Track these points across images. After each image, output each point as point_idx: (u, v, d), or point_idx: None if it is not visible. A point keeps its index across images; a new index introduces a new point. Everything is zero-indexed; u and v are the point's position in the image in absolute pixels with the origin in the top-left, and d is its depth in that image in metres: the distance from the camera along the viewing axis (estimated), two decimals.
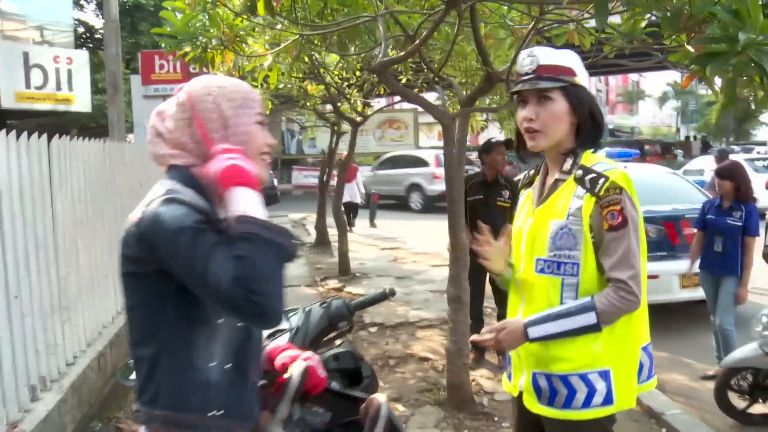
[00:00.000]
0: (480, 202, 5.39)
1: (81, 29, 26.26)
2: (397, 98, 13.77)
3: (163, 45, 6.04)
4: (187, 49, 5.29)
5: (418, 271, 10.04)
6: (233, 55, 5.58)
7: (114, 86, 10.22)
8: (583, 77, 2.03)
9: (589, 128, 2.02)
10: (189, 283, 1.43)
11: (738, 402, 4.31)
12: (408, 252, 12.01)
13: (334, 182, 11.11)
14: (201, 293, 1.43)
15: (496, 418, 4.33)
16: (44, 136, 3.85)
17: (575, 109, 2.00)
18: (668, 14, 2.88)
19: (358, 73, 8.17)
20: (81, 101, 15.62)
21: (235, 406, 1.56)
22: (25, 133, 3.58)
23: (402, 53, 4.07)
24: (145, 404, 1.53)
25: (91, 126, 21.30)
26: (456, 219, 4.33)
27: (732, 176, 5.08)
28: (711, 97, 51.96)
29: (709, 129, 46.38)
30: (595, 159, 2.02)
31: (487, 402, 4.61)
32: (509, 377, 2.24)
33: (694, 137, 43.25)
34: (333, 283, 9.01)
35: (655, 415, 4.20)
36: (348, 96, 8.75)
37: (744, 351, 4.19)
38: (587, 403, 1.96)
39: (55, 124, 16.71)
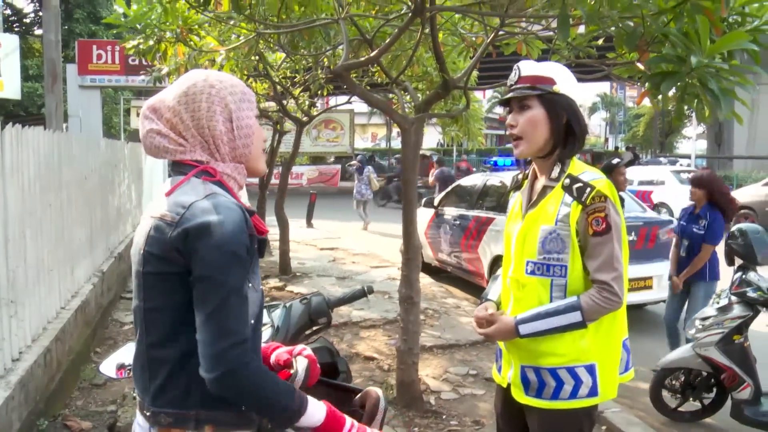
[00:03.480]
0: None
1: (8, 12, 25.19)
2: (340, 99, 13.82)
3: (113, 34, 5.94)
4: (140, 40, 5.22)
5: (358, 271, 10.11)
6: (185, 48, 5.54)
7: (53, 74, 9.92)
8: (565, 86, 2.17)
9: (563, 134, 2.16)
10: (199, 294, 1.43)
11: (670, 401, 4.57)
12: (347, 253, 12.06)
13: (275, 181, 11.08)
14: (200, 310, 1.43)
15: (444, 416, 4.45)
16: None
17: (552, 116, 2.14)
18: (624, 33, 3.05)
19: (303, 72, 8.19)
20: (10, 88, 15.03)
21: None
22: None
23: (364, 57, 4.13)
24: (170, 405, 1.51)
25: (19, 114, 20.50)
26: (410, 220, 4.43)
27: (702, 185, 5.35)
28: (639, 110, 54.07)
29: (636, 140, 48.21)
30: (582, 168, 2.17)
31: (434, 401, 4.73)
32: (499, 370, 2.38)
33: (627, 147, 44.76)
34: (274, 282, 8.98)
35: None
36: (294, 95, 8.76)
37: (678, 353, 4.45)
38: (574, 395, 2.13)
39: None
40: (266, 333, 2.00)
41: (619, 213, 2.11)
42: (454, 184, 10.32)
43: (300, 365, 1.70)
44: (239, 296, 1.44)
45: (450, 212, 9.39)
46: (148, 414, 1.54)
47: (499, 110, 59.45)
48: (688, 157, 26.37)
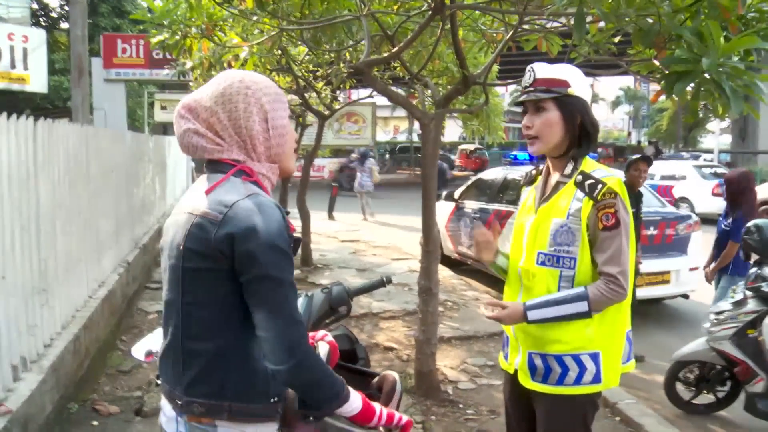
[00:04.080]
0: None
1: (35, 6, 25.59)
2: (362, 92, 13.90)
3: (141, 29, 6.07)
4: (166, 35, 5.35)
5: (378, 264, 10.21)
6: (209, 43, 5.67)
7: (79, 69, 10.11)
8: (579, 88, 2.27)
9: (578, 135, 2.26)
10: (258, 292, 1.49)
11: (684, 393, 4.63)
12: (367, 245, 12.17)
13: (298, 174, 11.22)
14: (262, 307, 1.49)
15: (461, 405, 4.55)
16: (31, 118, 3.89)
17: (567, 117, 2.24)
18: (641, 31, 3.11)
19: (326, 66, 8.29)
20: (37, 81, 15.31)
21: (284, 390, 1.65)
22: (14, 115, 3.62)
23: (386, 54, 4.22)
24: (204, 396, 1.56)
25: (46, 107, 20.83)
26: (429, 213, 4.52)
27: (727, 183, 5.52)
28: (662, 104, 53.49)
29: (659, 135, 47.76)
30: (594, 165, 2.28)
31: (451, 390, 4.83)
32: (506, 357, 2.49)
33: (649, 142, 44.41)
34: (296, 273, 9.07)
35: (609, 405, 4.48)
36: (316, 89, 8.86)
37: (692, 346, 4.50)
38: (578, 381, 2.23)
39: (6, 103, 16.31)
40: None
41: (628, 211, 2.20)
42: (475, 177, 10.35)
43: (322, 350, 1.79)
44: (294, 290, 1.53)
45: (470, 205, 9.44)
46: (180, 403, 1.60)
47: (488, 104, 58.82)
48: (712, 151, 26.11)
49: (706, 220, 10.33)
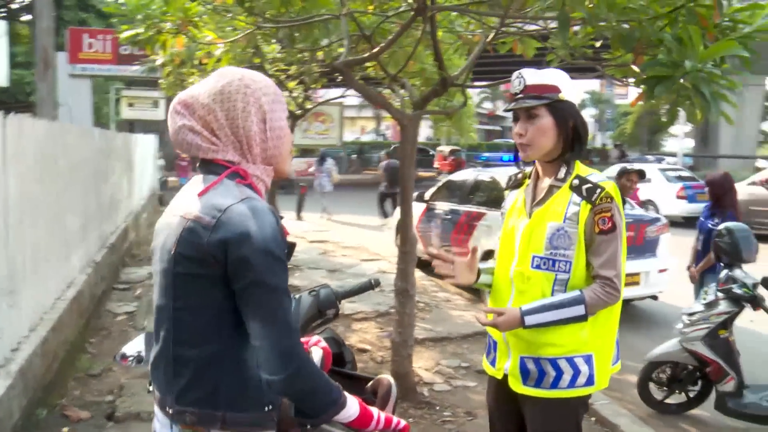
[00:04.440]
0: None
1: None
2: (332, 92, 13.87)
3: (113, 21, 5.94)
4: (139, 30, 5.25)
5: (348, 264, 10.19)
6: (184, 40, 5.59)
7: (45, 61, 9.92)
8: (568, 93, 2.28)
9: (571, 139, 2.27)
10: (253, 299, 1.45)
11: (657, 393, 4.70)
12: (336, 246, 12.13)
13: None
14: (256, 314, 1.45)
15: (437, 407, 4.55)
16: (1, 112, 3.79)
17: (559, 123, 2.25)
18: (621, 36, 3.15)
19: (299, 65, 8.23)
20: None
21: (278, 398, 1.61)
22: None
23: (364, 53, 4.20)
24: (196, 404, 1.52)
25: (7, 102, 20.35)
26: (406, 214, 4.51)
27: (709, 185, 5.69)
28: (627, 108, 54.35)
29: (624, 138, 48.52)
30: (588, 171, 2.30)
31: (427, 392, 4.83)
32: (492, 362, 2.47)
33: (614, 145, 45.06)
34: None
35: None
36: (288, 88, 8.80)
37: (665, 347, 4.57)
38: (572, 384, 2.25)
39: None
40: None
41: (622, 215, 2.23)
42: (445, 179, 10.39)
43: (316, 356, 1.77)
44: (289, 297, 1.50)
45: (441, 206, 9.48)
46: (171, 412, 1.56)
47: (488, 105, 59.67)
48: (675, 155, 26.64)
49: (672, 222, 10.51)
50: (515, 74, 2.30)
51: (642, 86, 3.10)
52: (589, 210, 2.19)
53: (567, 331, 2.22)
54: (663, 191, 15.82)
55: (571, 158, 2.30)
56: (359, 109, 46.85)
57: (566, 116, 2.25)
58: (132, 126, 25.95)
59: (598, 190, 2.19)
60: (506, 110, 2.36)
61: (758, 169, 21.97)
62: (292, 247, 1.62)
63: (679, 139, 26.92)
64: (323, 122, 31.26)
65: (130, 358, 2.31)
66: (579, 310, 2.16)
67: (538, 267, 2.26)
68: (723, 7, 2.94)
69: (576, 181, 2.24)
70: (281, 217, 1.59)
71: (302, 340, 1.85)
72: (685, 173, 17.88)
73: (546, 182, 2.34)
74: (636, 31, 3.08)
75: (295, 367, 1.44)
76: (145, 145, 15.28)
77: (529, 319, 2.19)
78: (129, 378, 4.81)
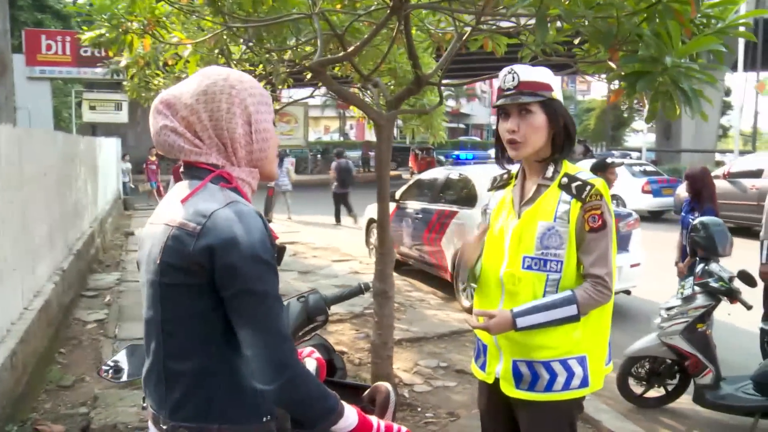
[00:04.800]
0: None
1: None
2: (298, 92, 13.71)
3: (77, 21, 5.79)
4: (104, 30, 5.12)
5: (320, 266, 10.13)
6: (151, 40, 5.46)
7: (2, 64, 9.62)
8: (558, 92, 2.27)
9: (563, 138, 2.25)
10: (243, 307, 1.40)
11: (636, 388, 4.74)
12: (307, 246, 12.07)
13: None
14: (247, 323, 1.40)
15: (419, 409, 4.52)
16: None
17: (551, 121, 2.22)
18: (599, 32, 3.14)
19: (267, 65, 8.12)
20: None
21: (276, 408, 1.55)
22: None
23: (341, 54, 4.14)
24: (190, 419, 1.47)
25: None
26: (383, 215, 4.47)
27: (688, 179, 5.84)
28: (590, 104, 55.09)
29: (587, 134, 49.18)
30: (577, 168, 2.28)
31: (408, 394, 4.80)
32: (482, 367, 2.42)
33: (578, 141, 45.59)
34: None
35: None
36: None
37: (643, 342, 4.60)
38: (567, 386, 2.21)
39: None
40: None
41: (611, 212, 2.20)
42: (415, 178, 10.37)
43: (310, 367, 1.71)
44: (279, 303, 1.45)
45: (412, 206, 9.46)
46: (165, 428, 1.50)
47: (452, 103, 59.89)
48: (638, 150, 27.05)
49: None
50: (506, 70, 2.26)
51: (621, 82, 3.10)
52: (579, 208, 2.16)
53: (560, 332, 2.19)
54: (629, 186, 16.03)
55: (560, 158, 2.27)
56: (323, 109, 46.69)
57: (558, 115, 2.23)
58: (94, 129, 25.46)
59: (588, 188, 2.16)
60: (495, 106, 2.31)
61: (719, 163, 22.45)
62: (281, 251, 1.57)
63: (643, 134, 27.36)
64: (288, 122, 31.09)
65: (106, 369, 2.23)
66: (571, 310, 2.13)
67: (529, 267, 2.22)
68: (699, 3, 2.95)
69: (565, 179, 2.22)
70: (269, 221, 1.54)
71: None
72: (650, 168, 18.17)
73: (533, 181, 2.31)
74: (614, 28, 3.07)
75: (288, 375, 1.39)
76: (109, 148, 15.00)
77: (521, 321, 2.15)
78: (103, 388, 4.68)
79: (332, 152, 20.06)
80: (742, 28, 2.98)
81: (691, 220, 5.45)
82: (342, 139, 50.19)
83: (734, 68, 20.99)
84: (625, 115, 47.33)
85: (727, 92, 39.79)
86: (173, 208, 1.49)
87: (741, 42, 19.22)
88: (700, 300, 4.30)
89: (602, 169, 5.91)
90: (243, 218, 1.42)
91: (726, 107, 41.67)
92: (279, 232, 13.45)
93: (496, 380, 2.34)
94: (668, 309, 4.43)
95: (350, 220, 15.29)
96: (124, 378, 2.15)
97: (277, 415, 1.55)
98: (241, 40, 6.18)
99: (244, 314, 1.40)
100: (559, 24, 3.73)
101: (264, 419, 1.52)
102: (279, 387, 1.38)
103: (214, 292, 1.42)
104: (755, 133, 26.80)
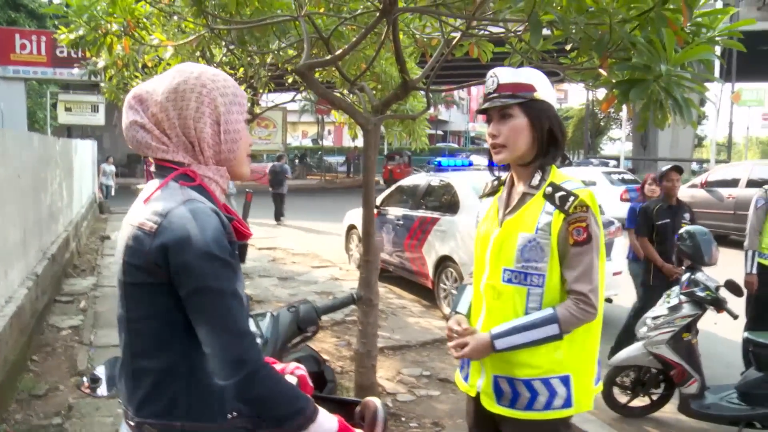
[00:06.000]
0: (668, 226, 5.61)
1: None
2: (277, 96, 13.64)
3: (55, 22, 5.67)
4: (81, 32, 5.01)
5: (299, 272, 10.04)
6: (131, 42, 5.36)
7: None
8: (544, 93, 2.16)
9: (546, 141, 2.15)
10: (199, 305, 1.40)
11: (621, 397, 4.72)
12: (286, 252, 11.97)
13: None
14: (204, 321, 1.40)
15: (403, 419, 4.45)
16: None
17: (534, 123, 2.13)
18: (591, 39, 3.11)
19: (248, 68, 8.04)
20: None
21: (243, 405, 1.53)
22: None
23: (328, 57, 4.08)
24: (154, 416, 1.47)
25: None
26: (369, 222, 4.40)
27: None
28: (567, 112, 55.56)
29: (565, 142, 49.55)
30: (563, 177, 2.16)
31: (391, 403, 4.73)
32: (465, 378, 2.34)
33: None
34: None
35: None
36: None
37: (629, 351, 4.58)
38: (548, 406, 2.11)
39: None
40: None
41: (599, 225, 2.10)
42: (396, 185, 10.30)
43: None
44: (237, 298, 1.43)
45: (393, 212, 9.40)
46: (132, 424, 1.51)
47: (430, 110, 59.96)
48: (615, 158, 27.30)
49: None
50: (489, 73, 2.19)
51: (613, 90, 3.07)
52: (562, 220, 2.05)
53: (541, 351, 2.09)
54: (607, 194, 16.12)
55: (546, 163, 2.17)
56: (300, 114, 46.59)
57: (541, 117, 2.13)
58: (69, 131, 25.08)
59: (572, 199, 2.05)
60: (479, 111, 2.22)
61: (694, 172, 22.73)
62: (243, 247, 1.55)
63: (621, 142, 27.62)
64: (266, 127, 30.99)
65: (84, 379, 2.15)
66: (553, 329, 2.03)
67: (509, 281, 2.12)
68: (691, 12, 2.93)
69: (549, 189, 2.10)
70: (231, 218, 1.52)
71: (279, 367, 1.75)
72: (628, 176, 18.32)
73: (520, 189, 2.21)
74: (606, 35, 3.05)
75: (248, 371, 1.38)
76: (85, 151, 14.77)
77: (499, 343, 2.06)
78: (77, 398, 4.55)
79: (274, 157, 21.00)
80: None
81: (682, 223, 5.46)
82: (320, 143, 50.09)
83: (720, 77, 21.29)
84: (603, 123, 47.80)
85: (702, 102, 40.36)
86: (137, 209, 1.51)
87: (717, 51, 19.46)
88: (687, 309, 4.29)
89: (661, 178, 5.89)
90: (197, 216, 1.42)
91: (701, 117, 42.25)
92: (258, 237, 13.39)
93: (479, 393, 2.26)
94: (654, 318, 4.42)
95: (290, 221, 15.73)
96: (103, 391, 2.07)
97: (245, 411, 1.53)
98: (223, 43, 6.10)
99: (200, 312, 1.41)
100: (548, 31, 3.70)
101: (229, 416, 1.51)
102: (237, 383, 1.38)
103: (174, 291, 1.43)
104: (730, 143, 27.16)
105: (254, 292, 8.32)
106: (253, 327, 2.01)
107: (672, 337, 4.27)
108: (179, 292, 1.42)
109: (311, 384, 1.72)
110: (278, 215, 17.15)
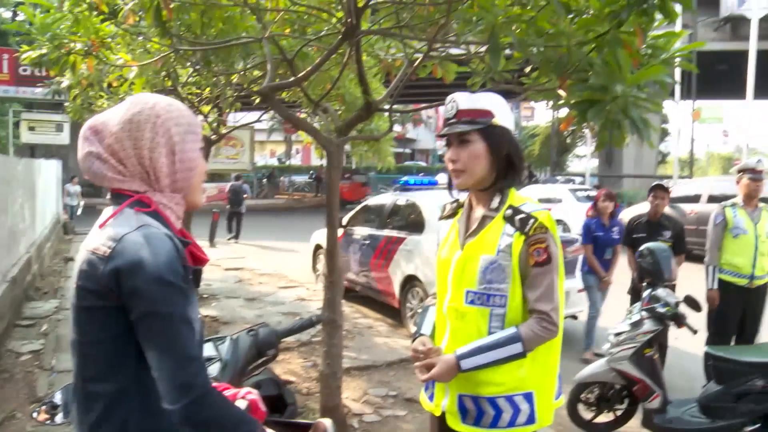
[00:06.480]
0: (642, 240, 5.58)
1: None
2: (242, 116, 13.61)
3: (17, 40, 5.57)
4: (44, 50, 4.94)
5: (266, 293, 9.96)
6: (95, 61, 5.31)
7: None
8: (503, 118, 2.21)
9: (504, 166, 2.19)
10: (148, 330, 1.42)
11: (586, 413, 4.74)
12: (252, 273, 11.88)
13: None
14: (153, 345, 1.42)
15: None
16: None
17: (492, 149, 2.17)
18: (549, 61, 3.17)
19: (214, 89, 8.01)
20: None
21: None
22: None
23: (291, 78, 4.08)
24: None
25: None
26: (332, 243, 4.40)
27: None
28: (534, 130, 56.27)
29: (532, 159, 50.13)
30: (522, 200, 2.20)
31: (357, 424, 4.71)
32: (430, 398, 2.36)
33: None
34: None
35: None
36: (203, 112, 8.55)
37: (593, 368, 4.63)
38: (512, 423, 2.14)
39: None
40: (215, 368, 1.92)
41: (558, 245, 2.15)
42: (362, 205, 10.29)
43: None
44: (187, 323, 1.45)
45: (359, 231, 9.39)
46: None
47: (397, 128, 60.42)
48: (581, 175, 27.69)
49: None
50: (448, 98, 2.24)
51: (571, 110, 3.13)
52: (522, 241, 2.10)
53: (505, 369, 2.12)
54: (573, 211, 16.33)
55: (505, 186, 2.21)
56: (269, 133, 46.54)
57: (500, 142, 2.18)
58: (33, 151, 24.65)
59: (531, 221, 2.10)
60: (439, 136, 2.27)
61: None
62: (197, 272, 1.58)
63: (587, 160, 28.04)
64: (233, 146, 30.85)
65: (36, 410, 2.11)
66: (516, 348, 2.07)
67: (472, 302, 2.16)
68: (645, 34, 3.01)
69: (509, 212, 2.15)
70: (187, 243, 1.54)
71: (231, 392, 1.75)
72: (593, 193, 18.56)
73: (479, 212, 2.25)
74: (565, 57, 3.11)
75: (194, 396, 1.40)
76: (49, 171, 14.54)
77: (465, 363, 2.09)
78: (36, 426, 4.44)
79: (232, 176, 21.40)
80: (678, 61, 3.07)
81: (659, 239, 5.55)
82: (287, 163, 50.02)
83: (671, 96, 21.80)
84: (569, 141, 48.47)
85: (665, 120, 41.24)
86: (92, 234, 1.54)
87: (678, 72, 19.96)
88: (648, 325, 4.35)
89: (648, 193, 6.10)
90: (150, 241, 1.44)
91: (664, 134, 43.13)
92: (224, 257, 13.27)
93: (444, 413, 2.27)
94: (617, 335, 4.47)
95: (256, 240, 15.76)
96: (61, 418, 2.04)
97: None
98: (189, 63, 6.08)
99: (149, 336, 1.43)
100: (508, 51, 3.76)
101: None
102: (183, 407, 1.39)
103: (125, 316, 1.44)
104: (692, 159, 27.74)
105: (221, 313, 8.24)
106: (212, 351, 2.00)
107: (634, 353, 4.33)
108: (130, 316, 1.43)
109: (263, 408, 1.71)
110: (212, 235, 16.40)
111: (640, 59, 3.05)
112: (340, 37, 3.60)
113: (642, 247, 4.66)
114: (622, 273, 6.55)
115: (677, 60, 3.10)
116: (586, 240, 6.80)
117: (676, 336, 4.73)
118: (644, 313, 4.38)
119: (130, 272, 1.40)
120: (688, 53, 3.07)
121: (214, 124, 9.06)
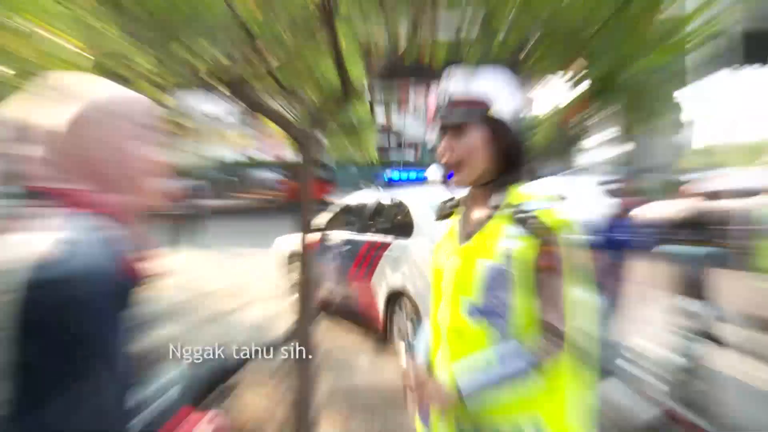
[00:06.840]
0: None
1: None
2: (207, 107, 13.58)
3: None
4: None
5: (229, 310, 9.98)
6: (34, 43, 5.23)
7: None
8: (502, 105, 2.15)
9: (504, 159, 2.16)
10: (63, 362, 1.35)
11: None
12: (214, 286, 11.91)
13: None
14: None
15: None
16: None
17: (490, 139, 2.13)
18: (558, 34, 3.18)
19: (172, 79, 7.92)
20: None
21: None
22: None
23: (262, 65, 4.05)
24: None
25: None
26: (306, 251, 4.35)
27: None
28: (536, 120, 56.47)
29: (535, 152, 50.53)
30: (526, 197, 2.12)
31: None
32: (425, 421, 2.29)
33: None
34: None
35: None
36: (166, 103, 8.48)
37: None
38: None
39: None
40: (172, 391, 1.90)
41: (567, 248, 2.07)
42: (342, 204, 10.12)
43: None
44: (109, 357, 1.39)
45: (337, 236, 9.17)
46: None
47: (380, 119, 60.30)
48: (600, 166, 27.87)
49: None
50: (441, 82, 2.20)
51: (584, 93, 3.14)
52: (526, 243, 2.04)
53: (508, 390, 2.04)
54: (594, 208, 16.42)
55: (506, 182, 2.17)
56: (238, 126, 46.46)
57: (498, 132, 2.14)
58: None
59: (535, 221, 2.04)
60: (431, 126, 2.23)
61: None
62: (138, 287, 1.52)
63: (603, 149, 28.06)
64: (198, 140, 30.81)
65: None
66: (520, 363, 2.00)
67: (470, 313, 2.10)
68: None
69: (510, 210, 2.09)
70: (134, 253, 1.48)
71: (194, 417, 1.73)
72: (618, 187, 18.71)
73: (478, 212, 2.21)
74: (580, 23, 3.08)
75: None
76: None
77: (465, 386, 2.01)
78: None
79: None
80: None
81: None
82: (255, 159, 49.93)
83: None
84: (578, 131, 48.80)
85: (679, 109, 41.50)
86: (17, 241, 1.46)
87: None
88: None
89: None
90: (77, 252, 1.36)
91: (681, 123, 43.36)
92: (182, 267, 13.19)
93: None
94: None
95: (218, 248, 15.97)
96: None
97: None
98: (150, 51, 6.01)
99: (63, 369, 1.37)
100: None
101: None
102: None
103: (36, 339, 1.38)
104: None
105: (179, 333, 8.18)
106: (167, 376, 1.96)
107: None
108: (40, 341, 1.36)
109: None
110: (173, 242, 16.90)
111: (653, 35, 3.06)
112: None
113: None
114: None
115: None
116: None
117: None
118: None
119: (51, 291, 1.32)
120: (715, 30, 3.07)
121: (180, 117, 9.01)
